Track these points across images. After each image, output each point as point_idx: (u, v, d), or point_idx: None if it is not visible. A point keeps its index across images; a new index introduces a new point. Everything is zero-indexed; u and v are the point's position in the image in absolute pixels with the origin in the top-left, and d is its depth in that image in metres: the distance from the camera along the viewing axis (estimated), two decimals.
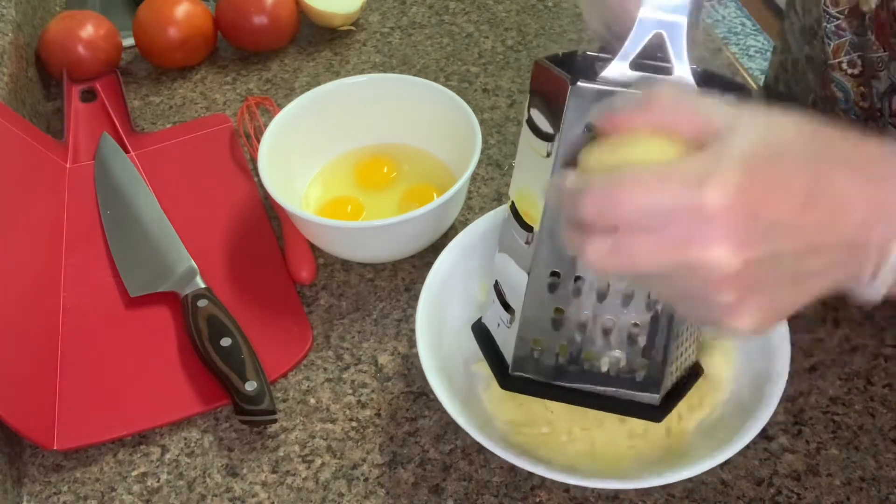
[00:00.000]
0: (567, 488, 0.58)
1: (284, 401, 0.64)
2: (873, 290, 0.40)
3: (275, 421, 0.62)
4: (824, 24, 0.66)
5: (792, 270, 0.40)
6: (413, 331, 0.64)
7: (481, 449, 0.60)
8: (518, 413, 0.59)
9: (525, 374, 0.55)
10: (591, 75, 0.49)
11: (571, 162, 0.47)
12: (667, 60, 0.49)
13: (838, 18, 0.65)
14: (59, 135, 0.85)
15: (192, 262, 0.71)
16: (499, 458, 0.59)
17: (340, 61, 0.93)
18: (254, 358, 0.63)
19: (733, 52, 0.94)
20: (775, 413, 0.54)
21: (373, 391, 0.64)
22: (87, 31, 0.89)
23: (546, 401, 0.57)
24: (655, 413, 0.54)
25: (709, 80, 0.53)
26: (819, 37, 0.69)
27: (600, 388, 0.54)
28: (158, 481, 0.60)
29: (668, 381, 0.54)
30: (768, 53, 2.46)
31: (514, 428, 0.58)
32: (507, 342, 0.55)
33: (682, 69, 0.49)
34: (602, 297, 0.52)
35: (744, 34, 2.58)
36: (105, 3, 1.02)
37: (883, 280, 0.40)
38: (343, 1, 0.94)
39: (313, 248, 0.73)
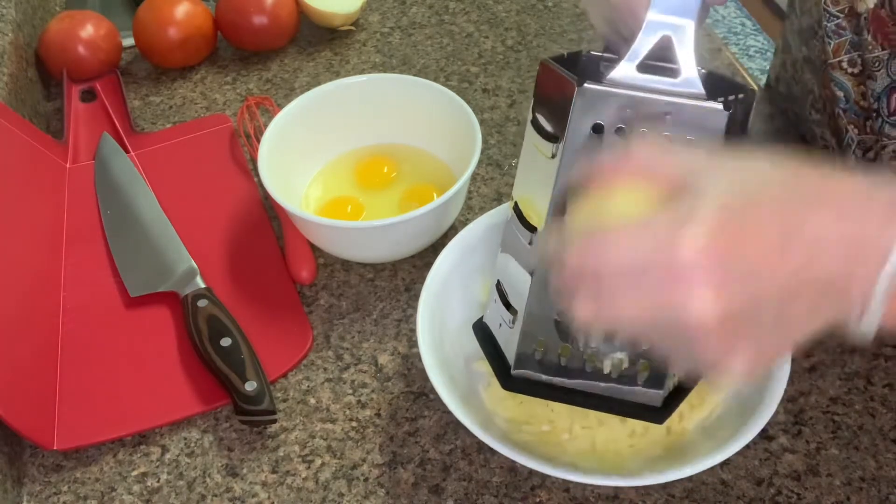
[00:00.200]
0: (567, 488, 0.58)
1: (284, 401, 0.64)
2: (863, 329, 0.40)
3: (275, 421, 0.62)
4: (825, 23, 0.66)
5: (776, 316, 0.40)
6: (413, 331, 0.64)
7: (481, 449, 0.60)
8: (519, 411, 0.59)
9: (527, 374, 0.55)
10: (597, 76, 0.49)
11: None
12: (673, 62, 0.49)
13: (838, 17, 0.65)
14: (59, 135, 0.85)
15: (192, 262, 0.71)
16: (499, 458, 0.59)
17: (340, 61, 0.93)
18: (254, 358, 0.63)
19: (733, 52, 0.94)
20: (775, 413, 0.54)
21: (373, 391, 0.64)
22: (87, 31, 0.89)
23: (547, 400, 0.57)
24: (657, 414, 0.54)
25: (711, 81, 0.53)
26: (819, 36, 0.69)
27: (602, 390, 0.54)
28: (158, 481, 0.60)
29: (670, 383, 0.54)
30: (768, 53, 2.46)
31: (515, 426, 0.58)
32: (509, 342, 0.55)
33: (690, 71, 0.49)
34: None
35: (744, 34, 2.58)
36: (105, 3, 1.02)
37: (870, 319, 0.39)
38: (343, 1, 0.94)
39: (313, 248, 0.73)
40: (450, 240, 0.66)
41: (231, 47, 0.95)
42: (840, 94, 0.67)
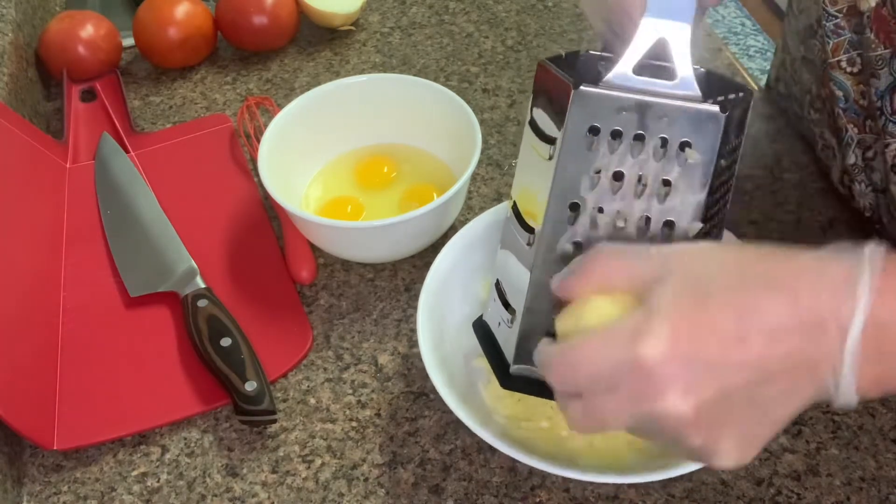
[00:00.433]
0: (567, 488, 0.58)
1: (284, 401, 0.64)
2: (843, 402, 0.40)
3: (275, 421, 0.62)
4: (824, 22, 0.66)
5: (751, 403, 0.41)
6: (413, 331, 0.64)
7: (481, 449, 0.60)
8: (518, 408, 0.59)
9: (525, 373, 0.55)
10: (595, 76, 0.49)
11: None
12: (670, 64, 0.49)
13: (837, 17, 0.65)
14: (59, 135, 0.85)
15: (192, 262, 0.71)
16: (499, 457, 0.59)
17: (340, 61, 0.93)
18: (254, 358, 0.63)
19: (733, 52, 0.94)
20: None
21: (373, 391, 0.64)
22: (87, 31, 0.89)
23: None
24: None
25: (709, 80, 0.53)
26: (819, 36, 0.69)
27: None
28: (158, 481, 0.60)
29: None
30: (768, 53, 2.46)
31: (514, 423, 0.58)
32: (507, 341, 0.55)
33: (686, 73, 0.49)
34: None
35: (744, 34, 2.58)
36: (105, 3, 1.02)
37: (846, 393, 0.40)
38: (343, 1, 0.94)
39: (313, 248, 0.73)
40: (450, 239, 0.66)
41: (231, 47, 0.95)
42: (839, 93, 0.67)
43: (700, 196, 0.49)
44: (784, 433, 0.60)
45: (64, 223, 0.76)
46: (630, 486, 0.57)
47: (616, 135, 0.48)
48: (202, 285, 0.69)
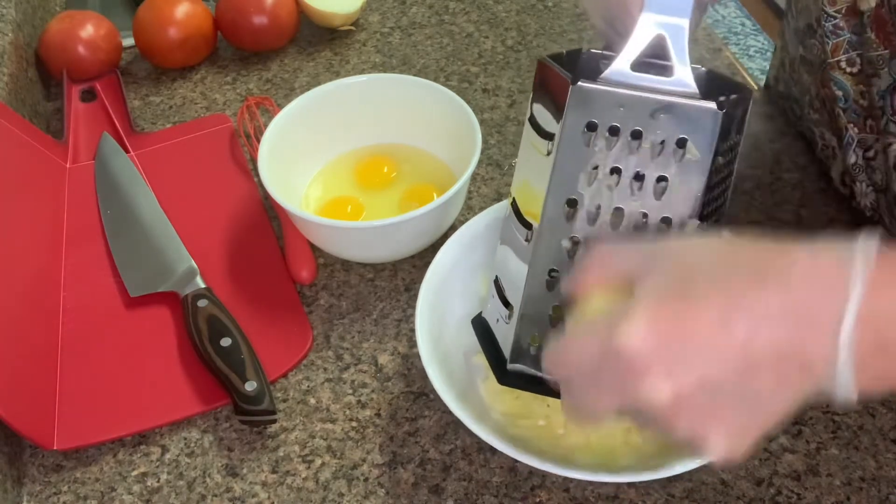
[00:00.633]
0: (567, 488, 0.58)
1: (284, 401, 0.64)
2: (842, 398, 0.39)
3: (275, 421, 0.62)
4: (823, 22, 0.66)
5: (739, 392, 0.40)
6: (413, 331, 0.64)
7: (481, 449, 0.60)
8: (515, 405, 0.59)
9: (523, 370, 0.55)
10: (595, 74, 0.49)
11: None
12: (668, 61, 0.49)
13: (835, 17, 0.66)
14: (59, 135, 0.85)
15: (192, 262, 0.71)
16: (499, 457, 0.59)
17: (340, 61, 0.93)
18: (254, 358, 0.63)
19: (733, 52, 0.94)
20: None
21: (373, 391, 0.64)
22: (87, 31, 0.89)
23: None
24: None
25: (709, 80, 0.53)
26: (818, 35, 0.69)
27: None
28: (158, 481, 0.60)
29: None
30: (768, 53, 2.46)
31: (511, 420, 0.59)
32: (505, 337, 0.55)
33: (684, 70, 0.49)
34: None
35: (744, 34, 2.58)
36: (105, 3, 1.02)
37: (844, 386, 0.38)
38: (343, 1, 0.94)
39: (313, 248, 0.73)
40: (451, 237, 0.65)
41: (231, 47, 0.95)
42: (839, 93, 0.67)
43: (697, 193, 0.49)
44: (784, 433, 0.60)
45: (64, 223, 0.76)
46: (630, 485, 0.57)
47: (614, 131, 0.48)
48: (202, 285, 0.69)
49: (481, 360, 0.60)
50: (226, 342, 0.64)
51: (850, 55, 0.66)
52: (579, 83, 0.47)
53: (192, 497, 0.59)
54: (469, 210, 0.76)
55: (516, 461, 0.56)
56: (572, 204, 0.50)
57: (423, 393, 0.64)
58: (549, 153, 0.50)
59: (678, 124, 0.47)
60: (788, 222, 0.73)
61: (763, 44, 2.53)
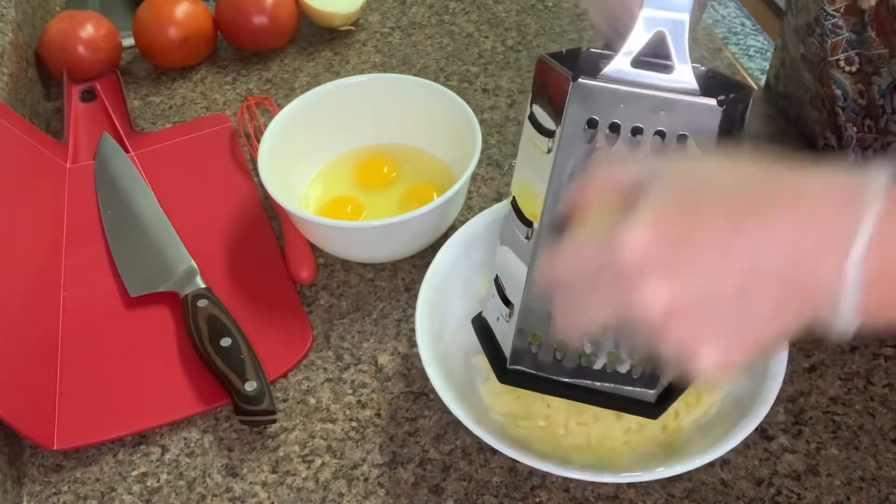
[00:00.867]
0: (567, 488, 0.58)
1: (284, 401, 0.64)
2: (841, 325, 0.38)
3: (275, 421, 0.62)
4: (823, 20, 0.66)
5: (737, 309, 0.39)
6: (413, 331, 0.64)
7: (481, 449, 0.60)
8: (516, 406, 0.59)
9: (523, 368, 0.55)
10: (595, 72, 0.49)
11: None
12: (668, 58, 0.49)
13: (835, 16, 0.66)
14: (59, 135, 0.85)
15: (192, 262, 0.71)
16: (499, 457, 0.59)
17: (340, 61, 0.93)
18: (254, 358, 0.63)
19: (733, 52, 0.94)
20: (775, 413, 0.54)
21: (373, 391, 0.64)
22: (87, 31, 0.89)
23: (544, 395, 0.57)
24: (652, 410, 0.54)
25: (709, 79, 0.53)
26: (818, 34, 0.69)
27: (597, 385, 0.54)
28: (158, 481, 0.60)
29: (665, 379, 0.54)
30: (768, 53, 2.46)
31: (512, 420, 0.59)
32: (506, 336, 0.55)
33: (684, 68, 0.49)
34: None
35: (744, 34, 2.58)
36: (105, 3, 1.02)
37: (845, 312, 0.38)
38: (343, 1, 0.94)
39: (313, 248, 0.73)
40: (451, 237, 0.65)
41: (231, 47, 0.95)
42: (838, 92, 0.67)
43: None
44: (784, 433, 0.60)
45: (64, 223, 0.76)
46: (630, 485, 0.57)
47: (614, 128, 0.48)
48: (202, 285, 0.69)
49: (481, 362, 0.60)
50: (226, 342, 0.64)
51: (848, 54, 0.66)
52: (580, 80, 0.47)
53: (192, 497, 0.59)
54: (469, 210, 0.76)
55: (516, 461, 0.56)
56: None
57: (423, 393, 0.64)
58: (549, 151, 0.50)
59: (679, 121, 0.47)
60: None
61: (763, 43, 2.53)
